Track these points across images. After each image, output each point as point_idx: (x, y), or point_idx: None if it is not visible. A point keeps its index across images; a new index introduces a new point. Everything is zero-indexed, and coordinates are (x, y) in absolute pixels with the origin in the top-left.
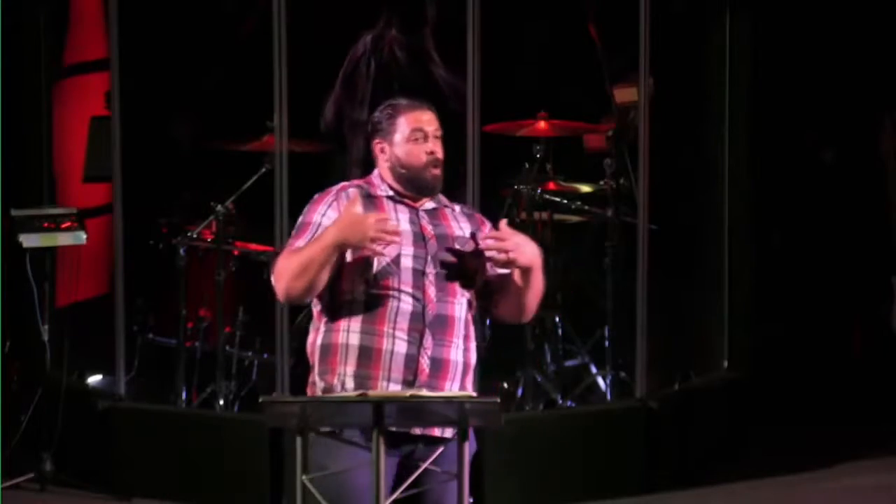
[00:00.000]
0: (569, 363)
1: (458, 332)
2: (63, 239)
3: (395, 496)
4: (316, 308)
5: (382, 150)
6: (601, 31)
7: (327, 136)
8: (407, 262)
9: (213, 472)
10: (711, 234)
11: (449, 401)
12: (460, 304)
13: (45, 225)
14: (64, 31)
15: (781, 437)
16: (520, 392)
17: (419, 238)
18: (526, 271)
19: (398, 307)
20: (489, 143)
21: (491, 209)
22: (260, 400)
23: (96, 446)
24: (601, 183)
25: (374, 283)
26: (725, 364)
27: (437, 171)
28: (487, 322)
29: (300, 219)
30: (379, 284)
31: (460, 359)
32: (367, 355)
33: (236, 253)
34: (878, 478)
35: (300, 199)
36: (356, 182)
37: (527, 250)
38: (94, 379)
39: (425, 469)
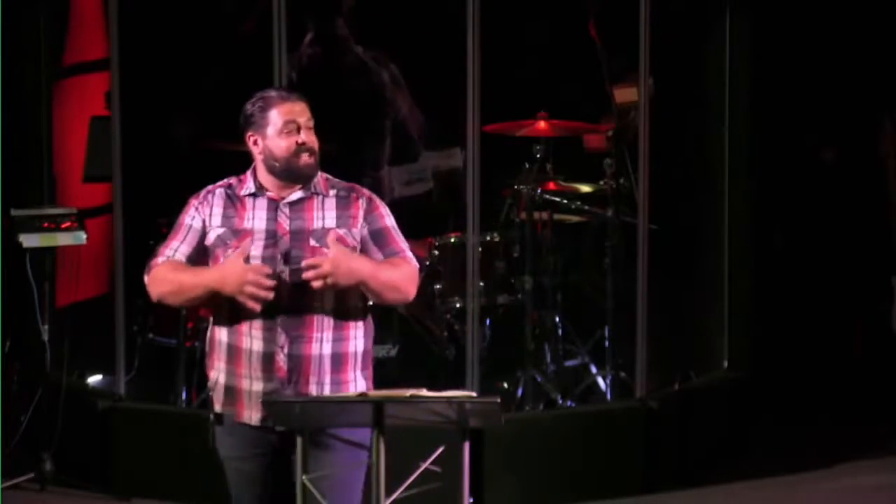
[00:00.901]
0: (569, 363)
1: (320, 327)
2: (63, 239)
3: (395, 496)
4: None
5: (255, 143)
6: (601, 31)
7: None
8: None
9: (213, 472)
10: (711, 234)
11: (449, 401)
12: (323, 299)
13: (45, 225)
14: (64, 31)
15: (781, 437)
16: (520, 392)
17: (271, 236)
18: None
19: (254, 308)
20: (489, 143)
21: (491, 209)
22: (260, 400)
23: (96, 446)
24: (601, 183)
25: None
26: (725, 364)
27: (311, 160)
28: (487, 322)
29: (177, 218)
30: None
31: (327, 352)
32: (232, 353)
33: None
34: (878, 478)
35: None
36: (225, 182)
37: (341, 270)
38: (94, 379)
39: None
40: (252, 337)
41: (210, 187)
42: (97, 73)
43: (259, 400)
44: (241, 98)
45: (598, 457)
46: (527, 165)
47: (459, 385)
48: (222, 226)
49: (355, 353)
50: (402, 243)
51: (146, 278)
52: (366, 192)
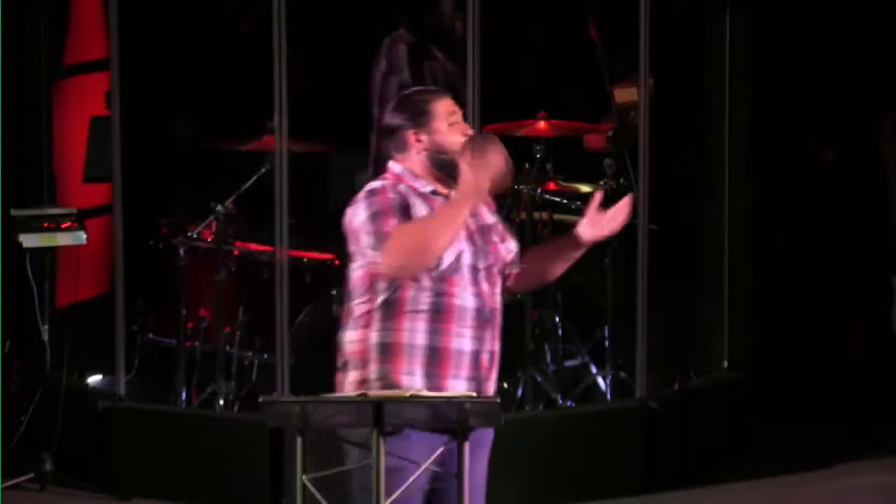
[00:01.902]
0: (569, 363)
1: (500, 322)
2: (63, 239)
3: (394, 496)
4: (364, 307)
5: (419, 140)
6: (601, 31)
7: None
8: (466, 259)
9: (213, 472)
10: (711, 234)
11: (449, 401)
12: (498, 293)
13: (45, 225)
14: (64, 31)
15: (781, 437)
16: (520, 392)
17: (467, 231)
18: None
19: (462, 307)
20: None
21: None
22: (260, 400)
23: (96, 446)
24: (601, 183)
25: (438, 281)
26: (725, 364)
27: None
28: None
29: (369, 211)
30: (443, 283)
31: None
32: (436, 354)
33: (236, 253)
34: (877, 478)
35: (300, 199)
36: (392, 180)
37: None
38: (94, 379)
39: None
40: (462, 337)
41: (381, 184)
42: (97, 73)
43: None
44: (241, 98)
45: (598, 457)
46: (527, 165)
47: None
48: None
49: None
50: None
51: (387, 250)
52: None
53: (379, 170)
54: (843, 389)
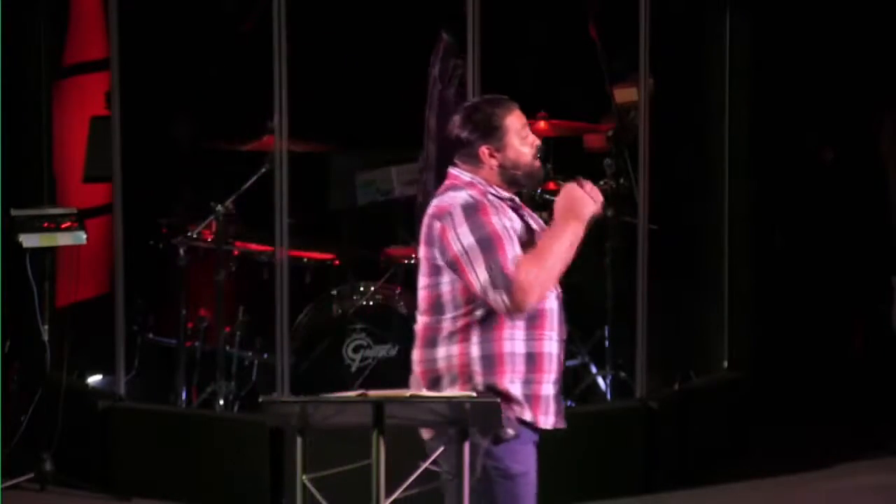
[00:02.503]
0: (569, 363)
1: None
2: (63, 239)
3: (394, 496)
4: (462, 321)
5: (493, 155)
6: (601, 31)
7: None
8: None
9: (213, 472)
10: (711, 234)
11: (449, 401)
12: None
13: (45, 225)
14: (64, 31)
15: (781, 437)
16: None
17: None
18: None
19: (551, 310)
20: None
21: None
22: (260, 400)
23: (96, 446)
24: (601, 183)
25: None
26: (725, 364)
27: (540, 163)
28: None
29: (476, 235)
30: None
31: None
32: (532, 360)
33: (236, 253)
34: (878, 478)
35: (300, 200)
36: (480, 189)
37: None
38: (94, 379)
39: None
40: (551, 340)
41: (476, 198)
42: (97, 73)
43: (549, 403)
44: (241, 98)
45: (598, 457)
46: None
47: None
48: (520, 231)
49: None
50: None
51: (512, 291)
52: None
53: (441, 176)
54: (843, 389)
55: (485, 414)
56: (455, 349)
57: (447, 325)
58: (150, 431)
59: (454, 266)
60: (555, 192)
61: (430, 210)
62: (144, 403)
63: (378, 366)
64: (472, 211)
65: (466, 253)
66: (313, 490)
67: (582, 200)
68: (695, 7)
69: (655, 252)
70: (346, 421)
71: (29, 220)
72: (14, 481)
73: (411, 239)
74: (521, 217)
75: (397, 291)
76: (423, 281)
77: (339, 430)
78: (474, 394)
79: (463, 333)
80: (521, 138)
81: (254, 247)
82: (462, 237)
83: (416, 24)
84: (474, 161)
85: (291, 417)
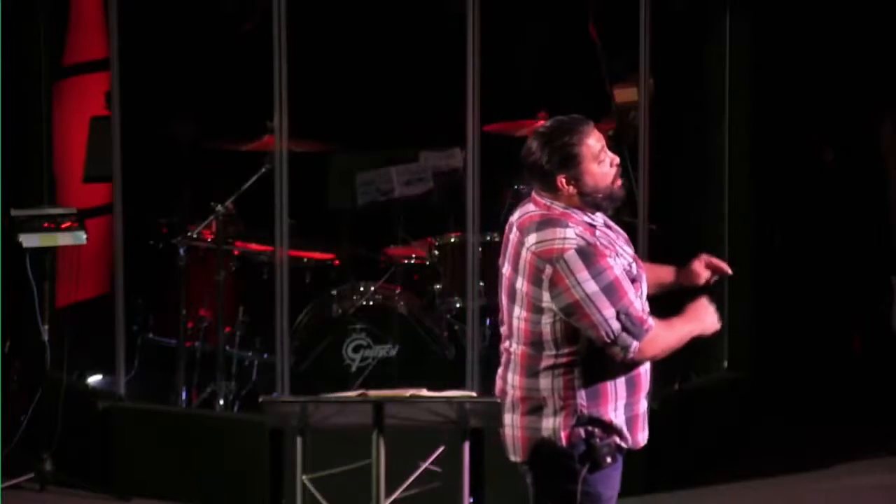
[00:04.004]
0: None
1: None
2: (63, 239)
3: (395, 496)
4: (566, 358)
5: (570, 184)
6: (601, 31)
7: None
8: (645, 287)
9: (213, 472)
10: (711, 234)
11: (449, 401)
12: None
13: (45, 225)
14: (64, 31)
15: (781, 436)
16: None
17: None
18: None
19: None
20: (489, 143)
21: (491, 209)
22: (260, 400)
23: (96, 446)
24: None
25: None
26: (725, 364)
27: (620, 183)
28: (488, 322)
29: (599, 284)
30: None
31: None
32: (632, 383)
33: (236, 253)
34: (878, 478)
35: (300, 199)
36: (588, 218)
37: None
38: (94, 379)
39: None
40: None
41: (585, 237)
42: (97, 73)
43: (644, 419)
44: (241, 98)
45: None
46: None
47: (459, 385)
48: (623, 257)
49: None
50: None
51: (644, 338)
52: None
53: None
54: (843, 389)
55: (485, 414)
56: (559, 382)
57: (550, 359)
58: (150, 431)
59: (570, 311)
60: None
61: (534, 246)
62: (144, 403)
63: (378, 366)
64: (589, 256)
65: (591, 301)
66: (313, 490)
67: (711, 317)
68: (695, 7)
69: (655, 252)
70: (346, 421)
71: (29, 220)
72: (14, 481)
73: (411, 239)
74: (611, 229)
75: (397, 291)
76: (521, 313)
77: (339, 430)
78: (474, 394)
79: (567, 368)
80: (599, 162)
81: (254, 247)
82: (583, 284)
83: (416, 24)
84: (553, 189)
85: (291, 417)
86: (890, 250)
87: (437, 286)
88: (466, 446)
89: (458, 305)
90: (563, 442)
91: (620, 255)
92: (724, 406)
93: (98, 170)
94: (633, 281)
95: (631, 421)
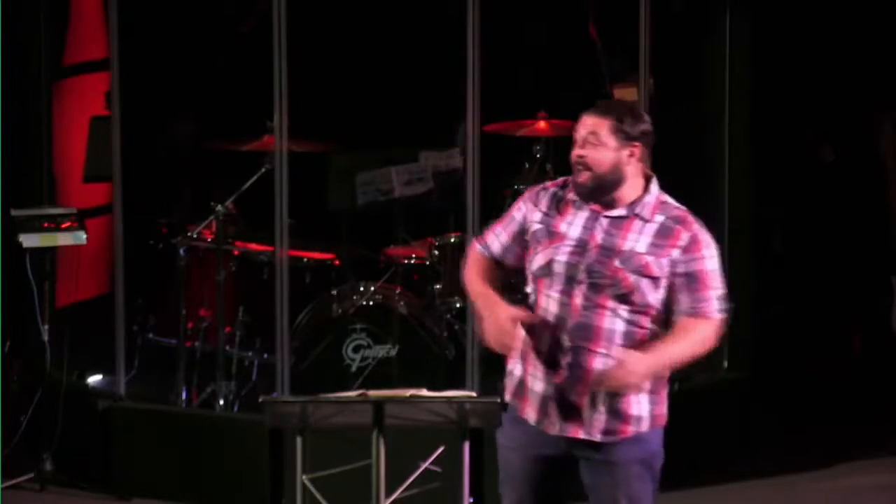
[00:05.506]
0: None
1: (607, 344)
2: (63, 239)
3: (395, 496)
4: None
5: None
6: (601, 31)
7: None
8: (558, 268)
9: (213, 472)
10: (711, 234)
11: (449, 401)
12: (614, 315)
13: (45, 225)
14: (64, 31)
15: (781, 437)
16: None
17: (581, 245)
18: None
19: (548, 309)
20: (489, 143)
21: (491, 209)
22: (260, 400)
23: (96, 446)
24: None
25: (535, 281)
26: (725, 364)
27: (582, 177)
28: None
29: (510, 208)
30: (537, 284)
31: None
32: (527, 349)
33: (236, 253)
34: (878, 478)
35: (300, 199)
36: (562, 180)
37: (631, 379)
38: (94, 379)
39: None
40: (543, 339)
41: (548, 183)
42: (97, 73)
43: (538, 400)
44: (241, 98)
45: None
46: (527, 165)
47: (459, 385)
48: (541, 223)
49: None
50: (712, 291)
51: (467, 257)
52: (694, 225)
53: None
54: (843, 389)
55: (485, 414)
56: None
57: None
58: (150, 431)
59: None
60: None
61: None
62: (144, 403)
63: (378, 366)
64: (522, 194)
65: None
66: (313, 490)
67: (493, 327)
68: (695, 7)
69: None
70: (346, 421)
71: (29, 220)
72: (14, 481)
73: (411, 239)
74: (594, 225)
75: (397, 291)
76: None
77: (339, 430)
78: (474, 394)
79: None
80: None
81: (254, 247)
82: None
83: (416, 24)
84: None
85: (291, 417)
86: (890, 250)
87: (437, 286)
88: (466, 446)
89: (458, 305)
90: None
91: (547, 214)
92: (724, 406)
93: (98, 170)
94: (547, 238)
95: (521, 386)
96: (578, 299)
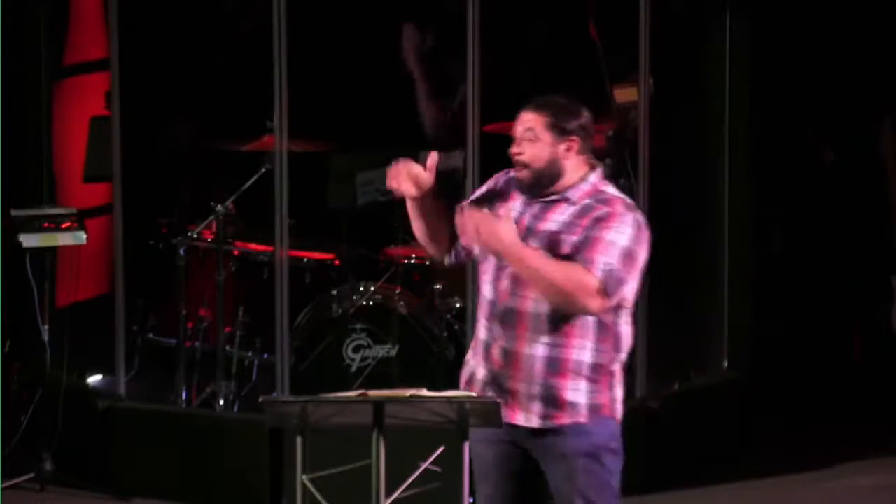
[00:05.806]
0: None
1: (533, 328)
2: (63, 239)
3: (395, 496)
4: None
5: None
6: (601, 31)
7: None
8: (488, 253)
9: (213, 472)
10: (711, 234)
11: (449, 401)
12: (538, 300)
13: (45, 225)
14: (64, 31)
15: (781, 437)
16: None
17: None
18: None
19: (483, 296)
20: (489, 143)
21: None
22: (260, 400)
23: (96, 446)
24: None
25: (478, 269)
26: (725, 364)
27: (520, 172)
28: None
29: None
30: (479, 272)
31: (541, 354)
32: (474, 338)
33: (236, 253)
34: (878, 478)
35: (300, 199)
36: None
37: (482, 230)
38: (94, 379)
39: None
40: (482, 326)
41: (512, 170)
42: (97, 73)
43: (480, 387)
44: (241, 98)
45: None
46: None
47: (459, 385)
48: (488, 208)
49: (578, 361)
50: (602, 256)
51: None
52: (619, 205)
53: None
54: (843, 390)
55: (484, 414)
56: None
57: None
58: (150, 431)
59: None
60: None
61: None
62: (144, 403)
63: (378, 366)
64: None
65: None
66: (313, 490)
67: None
68: (695, 7)
69: (655, 252)
70: (346, 421)
71: (29, 220)
72: (14, 481)
73: (411, 239)
74: (525, 211)
75: (397, 291)
76: None
77: (339, 430)
78: (474, 394)
79: None
80: None
81: (254, 247)
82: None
83: (416, 24)
84: None
85: (291, 417)
86: (890, 250)
87: (437, 286)
88: (466, 446)
89: (458, 305)
90: None
91: (495, 199)
92: (724, 406)
93: (98, 170)
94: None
95: (473, 375)
96: (504, 284)
